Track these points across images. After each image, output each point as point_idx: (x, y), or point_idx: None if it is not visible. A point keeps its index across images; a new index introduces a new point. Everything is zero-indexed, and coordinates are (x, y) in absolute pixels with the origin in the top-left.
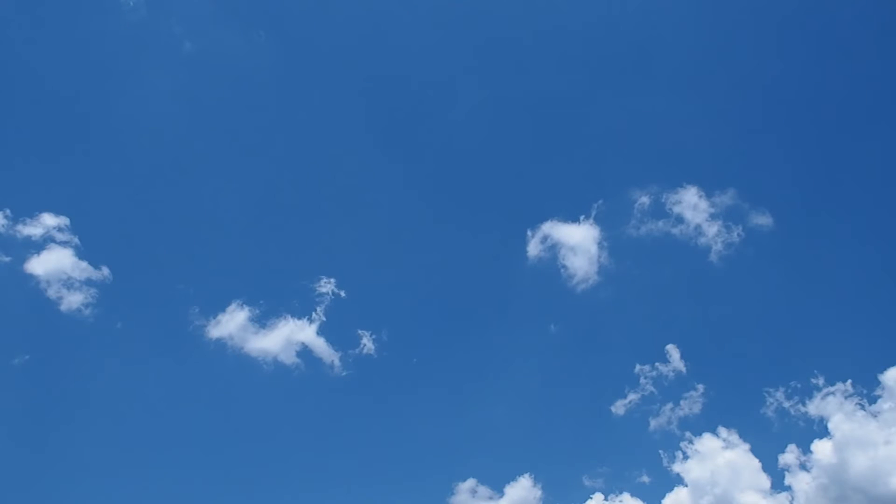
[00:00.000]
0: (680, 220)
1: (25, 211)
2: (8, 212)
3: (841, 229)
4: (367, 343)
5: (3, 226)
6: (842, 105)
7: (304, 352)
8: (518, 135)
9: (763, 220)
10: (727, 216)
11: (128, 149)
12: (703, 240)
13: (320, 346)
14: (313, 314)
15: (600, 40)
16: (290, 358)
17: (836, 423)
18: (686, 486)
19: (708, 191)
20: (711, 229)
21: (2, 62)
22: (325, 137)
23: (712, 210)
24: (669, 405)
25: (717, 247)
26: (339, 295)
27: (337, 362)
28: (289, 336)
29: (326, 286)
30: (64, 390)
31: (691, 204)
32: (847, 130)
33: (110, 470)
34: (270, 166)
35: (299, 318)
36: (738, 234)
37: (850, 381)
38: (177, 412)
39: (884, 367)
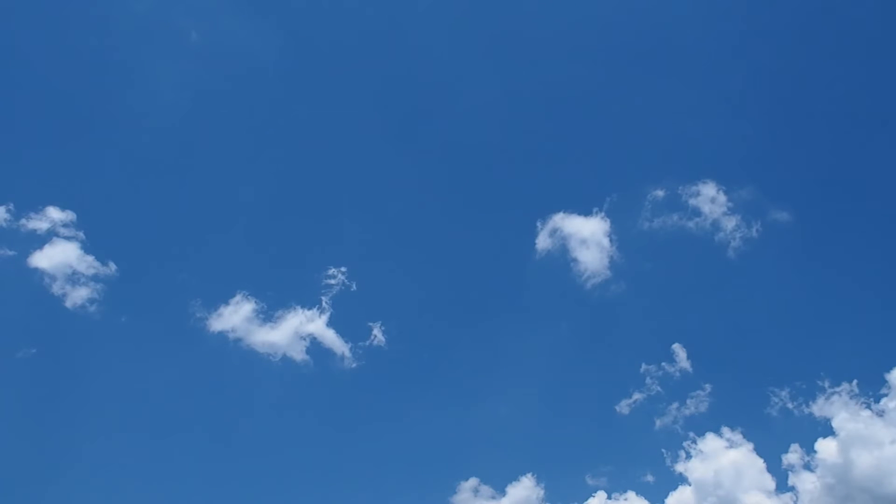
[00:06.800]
0: (697, 213)
1: (30, 205)
2: (11, 206)
3: (856, 227)
4: (378, 335)
5: (7, 220)
6: (863, 101)
7: (314, 343)
8: (531, 126)
9: (782, 215)
10: (746, 211)
11: (134, 142)
12: (720, 235)
13: (330, 337)
14: (322, 304)
15: (616, 32)
16: (298, 348)
17: (841, 422)
18: (690, 485)
19: (727, 186)
20: (730, 224)
21: (7, 55)
22: (335, 128)
23: (730, 205)
24: (675, 405)
25: (735, 242)
26: (349, 286)
27: (347, 354)
28: (297, 327)
29: (336, 276)
30: (68, 385)
31: (709, 198)
32: (868, 127)
33: (114, 465)
34: (278, 156)
35: (308, 309)
36: (757, 230)
37: (855, 382)
38: (181, 407)
39: (891, 366)
